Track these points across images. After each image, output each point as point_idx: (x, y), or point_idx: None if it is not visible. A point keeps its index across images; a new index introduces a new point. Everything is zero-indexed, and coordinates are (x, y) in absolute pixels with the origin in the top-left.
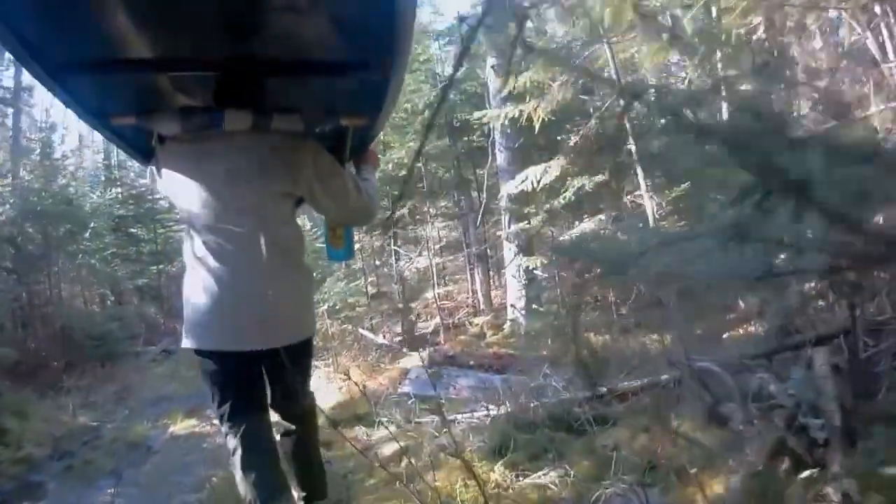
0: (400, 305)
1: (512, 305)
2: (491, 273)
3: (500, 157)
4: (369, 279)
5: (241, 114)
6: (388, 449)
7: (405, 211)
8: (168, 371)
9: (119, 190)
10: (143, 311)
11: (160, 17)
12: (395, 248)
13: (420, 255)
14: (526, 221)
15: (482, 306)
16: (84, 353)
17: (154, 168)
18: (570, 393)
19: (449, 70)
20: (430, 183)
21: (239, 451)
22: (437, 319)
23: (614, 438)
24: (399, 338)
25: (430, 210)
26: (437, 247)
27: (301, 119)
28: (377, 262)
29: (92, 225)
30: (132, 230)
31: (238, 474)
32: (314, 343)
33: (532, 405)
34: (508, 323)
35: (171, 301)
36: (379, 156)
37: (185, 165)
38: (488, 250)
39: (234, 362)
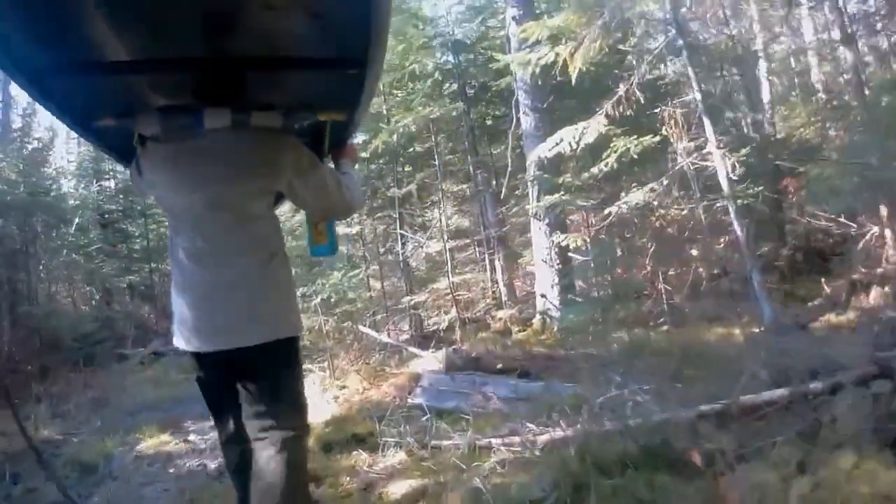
0: (408, 297)
1: (542, 295)
2: (515, 258)
3: (526, 121)
4: (371, 268)
5: (220, 112)
6: (399, 486)
7: (412, 188)
8: (156, 375)
9: (109, 183)
10: (134, 311)
11: (137, 17)
12: (401, 232)
13: (430, 238)
14: (560, 193)
15: (505, 297)
16: (62, 356)
17: (135, 169)
18: (666, 410)
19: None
20: (441, 154)
21: (224, 454)
22: (453, 313)
23: (752, 483)
24: (407, 336)
25: (443, 187)
26: (450, 227)
27: (279, 116)
28: (381, 249)
29: (77, 219)
30: (122, 225)
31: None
32: (300, 343)
33: (606, 428)
34: (538, 317)
35: (165, 300)
36: (357, 149)
37: (166, 165)
38: (510, 233)
39: (217, 362)
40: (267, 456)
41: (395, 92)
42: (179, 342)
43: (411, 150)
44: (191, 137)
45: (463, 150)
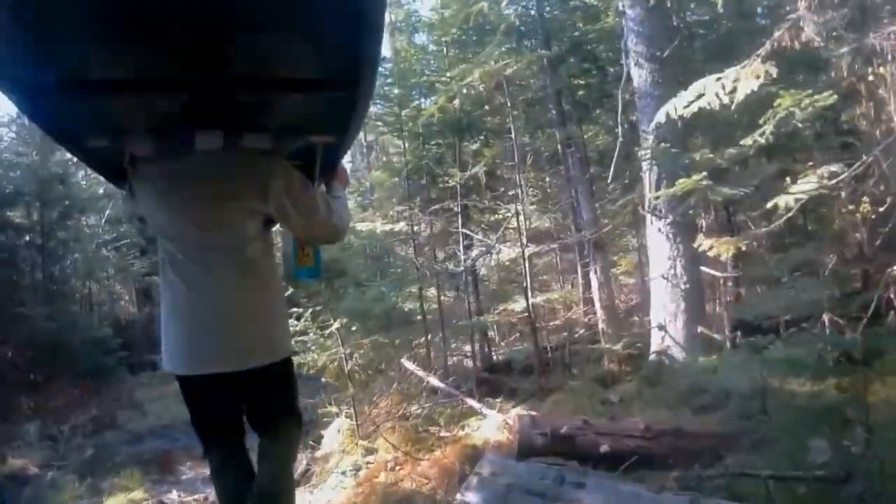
0: (471, 320)
1: (660, 327)
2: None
3: (639, 76)
4: (422, 278)
5: (212, 133)
6: None
7: (479, 171)
8: (175, 389)
9: None
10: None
11: (129, 38)
12: (465, 231)
13: (503, 242)
14: (696, 176)
15: (603, 325)
16: (69, 365)
17: (128, 189)
18: None
19: None
20: (519, 129)
21: (213, 473)
22: (531, 347)
23: None
24: (466, 377)
25: (521, 173)
26: (531, 227)
27: (271, 138)
28: (437, 254)
29: (108, 211)
30: None
31: (217, 492)
32: (291, 365)
33: None
34: (653, 357)
35: None
36: (347, 172)
37: (158, 186)
38: (612, 235)
39: (207, 386)
40: (265, 471)
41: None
42: (171, 365)
43: (478, 117)
44: (182, 158)
45: (548, 123)
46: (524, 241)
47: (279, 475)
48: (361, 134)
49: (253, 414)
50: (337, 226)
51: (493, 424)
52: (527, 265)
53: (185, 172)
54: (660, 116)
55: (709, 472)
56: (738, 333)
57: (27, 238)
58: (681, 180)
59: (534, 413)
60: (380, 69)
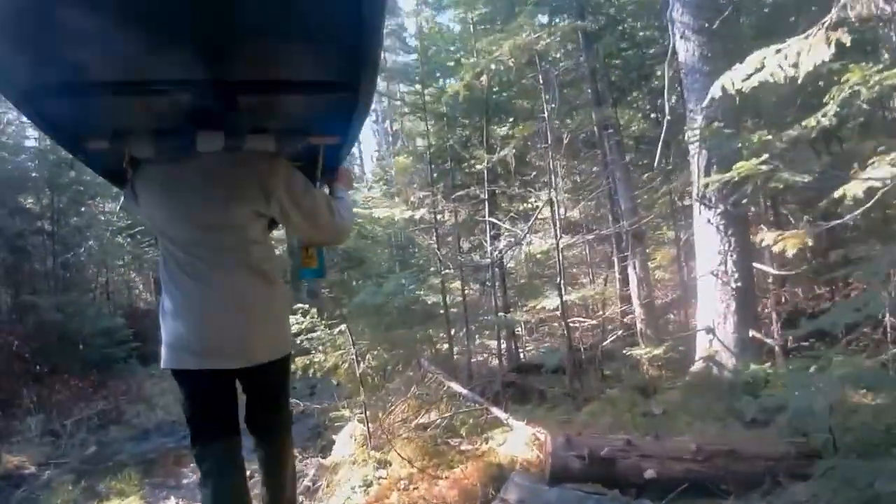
0: (497, 315)
1: (709, 330)
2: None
3: (686, 49)
4: (444, 271)
5: (214, 135)
6: None
7: (508, 155)
8: None
9: None
10: None
11: (131, 39)
12: (492, 220)
13: (534, 232)
14: (754, 161)
15: (642, 325)
16: (76, 356)
17: (129, 191)
18: None
19: None
20: (552, 110)
21: (207, 474)
22: (565, 349)
23: None
24: (492, 377)
25: (554, 157)
26: (564, 216)
27: (273, 139)
28: (461, 244)
29: (122, 198)
30: None
31: (206, 496)
32: (290, 362)
33: None
34: (698, 363)
35: None
36: (351, 173)
37: (159, 188)
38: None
39: (205, 382)
40: (266, 444)
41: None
42: (173, 362)
43: (507, 98)
44: (184, 160)
45: (583, 103)
46: (558, 231)
47: (286, 484)
48: (387, 122)
49: (250, 410)
50: (339, 227)
51: (521, 438)
52: (560, 259)
53: (187, 174)
54: (714, 91)
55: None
56: (790, 337)
57: (37, 224)
58: (739, 164)
59: (567, 430)
60: (407, 45)
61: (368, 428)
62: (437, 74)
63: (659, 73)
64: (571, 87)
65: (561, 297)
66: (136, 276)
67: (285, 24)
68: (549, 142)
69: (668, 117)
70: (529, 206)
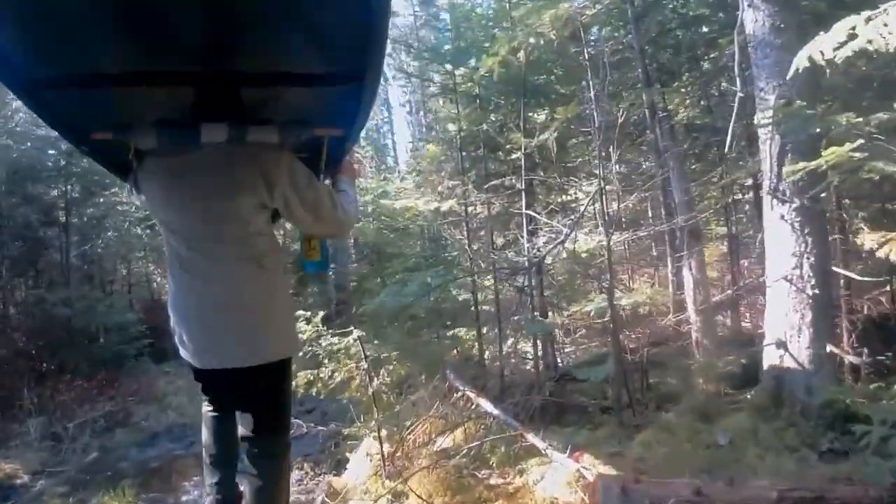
0: (534, 317)
1: (780, 344)
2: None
3: (755, 20)
4: (476, 269)
5: (217, 127)
6: None
7: (549, 138)
8: None
9: None
10: None
11: (135, 31)
12: (530, 212)
13: (578, 227)
14: (854, 146)
15: (697, 334)
16: (84, 354)
17: (132, 183)
18: None
19: None
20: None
21: (205, 458)
22: (612, 363)
23: None
24: (525, 389)
25: (603, 142)
26: (612, 210)
27: (276, 131)
28: (495, 239)
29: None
30: None
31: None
32: (290, 366)
33: None
34: (766, 381)
35: None
36: (355, 165)
37: (163, 180)
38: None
39: (210, 377)
40: (257, 472)
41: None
42: (184, 354)
43: (546, 81)
44: (187, 152)
45: (633, 86)
46: (609, 227)
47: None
48: (420, 113)
49: (244, 413)
50: (342, 220)
51: (563, 475)
52: (610, 258)
53: (191, 166)
54: (800, 61)
55: None
56: (865, 351)
57: (53, 215)
58: (829, 150)
59: (617, 465)
60: (433, 26)
61: (383, 454)
62: (471, 58)
63: (712, 55)
64: (618, 69)
65: (611, 303)
66: (156, 269)
67: (290, 16)
68: (596, 122)
69: (739, 93)
70: (570, 198)
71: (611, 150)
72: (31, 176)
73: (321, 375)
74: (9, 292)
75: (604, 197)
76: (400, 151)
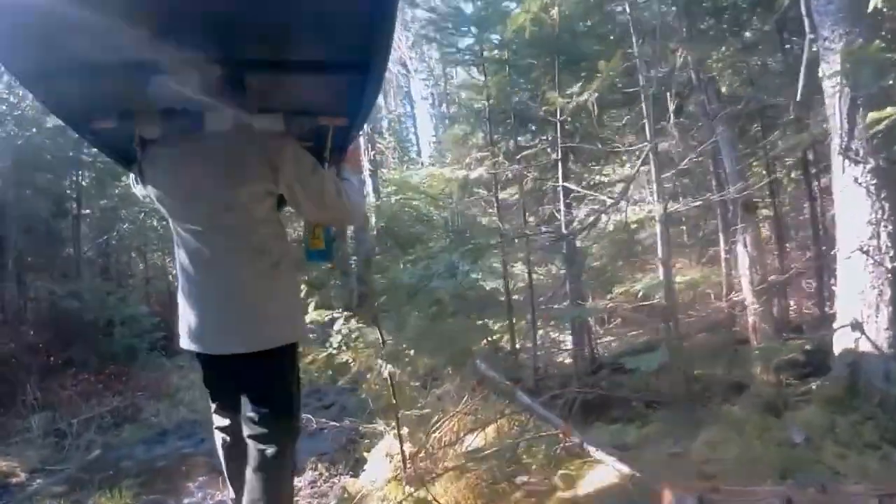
0: (572, 303)
1: (855, 324)
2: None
3: None
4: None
5: (222, 114)
6: None
7: (589, 100)
8: None
9: None
10: None
11: (139, 18)
12: (566, 185)
13: (627, 199)
14: None
15: (755, 316)
16: (93, 347)
17: (137, 172)
18: None
19: None
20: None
21: (221, 444)
22: (665, 349)
23: None
24: (561, 381)
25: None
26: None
27: (281, 119)
28: (527, 216)
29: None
30: None
31: (221, 462)
32: (297, 352)
33: None
34: (839, 367)
35: None
36: (360, 155)
37: (167, 167)
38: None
39: (217, 364)
40: (254, 465)
41: None
42: (184, 342)
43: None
44: (192, 140)
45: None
46: (663, 196)
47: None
48: (443, 106)
49: (248, 399)
50: (347, 207)
51: (615, 481)
52: (667, 227)
53: (195, 153)
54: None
55: None
56: None
57: (63, 206)
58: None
59: (680, 467)
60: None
61: (404, 454)
62: (497, 23)
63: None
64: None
65: (667, 279)
66: (171, 261)
67: (296, 2)
68: (642, 80)
69: (809, 35)
70: (609, 172)
71: (669, 98)
72: (41, 165)
73: (334, 364)
74: (18, 285)
75: (654, 158)
76: (423, 144)
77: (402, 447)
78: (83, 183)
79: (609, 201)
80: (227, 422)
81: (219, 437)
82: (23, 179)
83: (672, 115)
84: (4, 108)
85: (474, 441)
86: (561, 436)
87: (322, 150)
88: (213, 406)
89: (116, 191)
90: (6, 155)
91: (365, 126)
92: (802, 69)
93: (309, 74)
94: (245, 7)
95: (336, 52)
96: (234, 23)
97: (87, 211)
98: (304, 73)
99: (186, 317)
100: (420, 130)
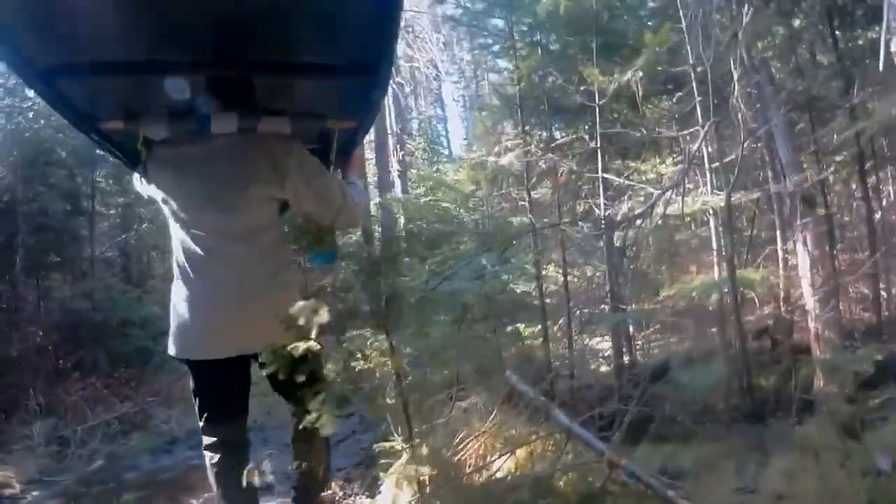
0: (615, 305)
1: None
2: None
3: None
4: (540, 247)
5: (228, 117)
6: None
7: (632, 79)
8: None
9: None
10: None
11: (146, 19)
12: (606, 176)
13: (672, 189)
14: None
15: (818, 324)
16: (104, 350)
17: (142, 172)
18: None
19: None
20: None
21: (213, 462)
22: (723, 361)
23: None
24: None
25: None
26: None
27: (287, 122)
28: (560, 207)
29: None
30: None
31: (213, 485)
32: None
33: None
34: None
35: None
36: (364, 159)
37: (173, 169)
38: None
39: (213, 371)
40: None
41: None
42: (179, 352)
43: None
44: (198, 142)
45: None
46: (726, 182)
47: (314, 452)
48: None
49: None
50: (352, 211)
51: None
52: (731, 215)
53: (201, 156)
54: None
55: None
56: None
57: (77, 204)
58: None
59: None
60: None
61: (420, 481)
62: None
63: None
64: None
65: (731, 276)
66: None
67: (302, 5)
68: (692, 56)
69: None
70: (655, 162)
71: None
72: (54, 161)
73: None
74: (28, 285)
75: (715, 138)
76: (455, 147)
77: (417, 474)
78: (99, 180)
79: (655, 193)
80: (218, 437)
81: (209, 458)
82: (35, 175)
83: (736, 88)
84: (16, 100)
85: (504, 463)
86: (606, 466)
87: (328, 153)
88: (203, 421)
89: (130, 186)
90: (17, 150)
91: (395, 126)
92: (883, 35)
93: (315, 77)
94: (251, 9)
95: (342, 53)
96: (240, 25)
97: (103, 209)
98: (311, 75)
99: (183, 323)
100: (451, 134)
